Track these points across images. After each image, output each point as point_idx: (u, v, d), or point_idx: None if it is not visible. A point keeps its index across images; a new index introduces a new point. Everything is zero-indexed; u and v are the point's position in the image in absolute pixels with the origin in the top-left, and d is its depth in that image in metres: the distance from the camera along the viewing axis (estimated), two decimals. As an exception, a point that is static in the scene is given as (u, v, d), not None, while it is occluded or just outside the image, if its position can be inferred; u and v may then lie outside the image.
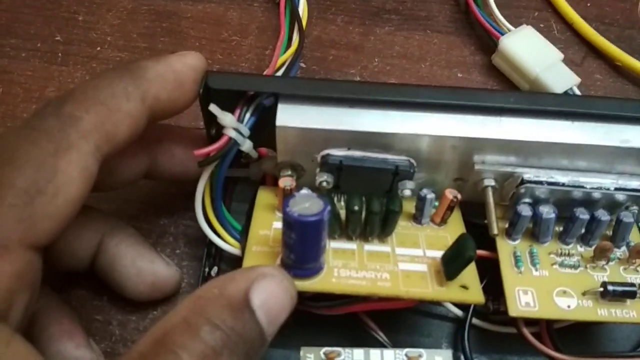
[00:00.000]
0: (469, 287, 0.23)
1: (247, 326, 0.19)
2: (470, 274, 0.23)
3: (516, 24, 0.35)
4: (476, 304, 0.25)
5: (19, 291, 0.19)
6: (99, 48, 0.35)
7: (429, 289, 0.22)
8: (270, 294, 0.20)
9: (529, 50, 0.33)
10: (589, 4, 0.38)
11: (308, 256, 0.22)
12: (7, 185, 0.19)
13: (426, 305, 0.27)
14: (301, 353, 0.23)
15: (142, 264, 0.26)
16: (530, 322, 0.25)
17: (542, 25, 0.37)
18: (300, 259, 0.21)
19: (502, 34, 0.34)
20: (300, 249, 0.21)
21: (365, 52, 0.36)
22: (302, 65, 0.35)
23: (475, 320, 0.26)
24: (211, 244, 0.26)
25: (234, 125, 0.24)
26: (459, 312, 0.26)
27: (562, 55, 0.33)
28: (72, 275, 0.27)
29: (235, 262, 0.25)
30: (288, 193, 0.24)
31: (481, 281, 0.23)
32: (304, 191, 0.22)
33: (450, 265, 0.22)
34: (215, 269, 0.27)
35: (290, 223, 0.20)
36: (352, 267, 0.23)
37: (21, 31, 0.35)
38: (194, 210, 0.25)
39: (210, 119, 0.24)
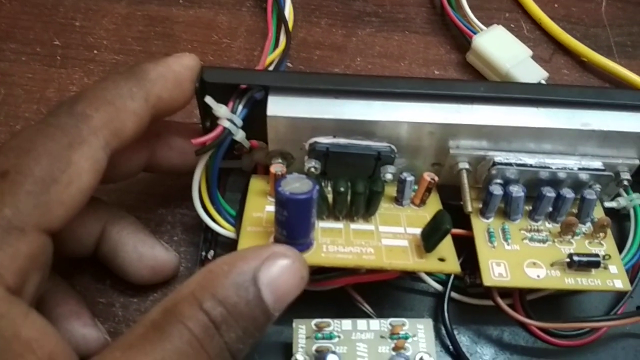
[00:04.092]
0: (446, 259, 0.25)
1: (250, 304, 0.20)
2: (447, 247, 0.25)
3: (488, 24, 0.37)
4: (453, 273, 0.27)
5: (32, 271, 0.21)
6: (95, 51, 0.36)
7: (410, 261, 0.24)
8: (280, 274, 0.21)
9: (500, 47, 0.35)
10: (556, 5, 0.41)
11: (299, 232, 0.23)
12: (26, 173, 0.21)
13: (408, 281, 0.29)
14: (294, 325, 0.25)
15: (143, 250, 0.27)
16: (504, 294, 0.27)
17: (512, 25, 0.39)
18: (292, 234, 0.23)
19: (475, 34, 0.36)
20: (292, 225, 0.23)
21: (348, 52, 0.38)
22: (289, 65, 0.37)
23: (454, 294, 0.28)
24: (207, 229, 0.28)
25: (228, 116, 0.25)
26: (438, 287, 0.28)
27: (531, 52, 0.36)
28: (77, 262, 0.28)
29: (230, 245, 0.27)
30: (279, 177, 0.26)
31: (459, 258, 0.25)
32: (295, 174, 0.24)
33: (429, 238, 0.24)
34: (211, 252, 0.28)
35: (282, 201, 0.22)
36: (339, 244, 0.25)
37: (20, 36, 0.37)
38: (190, 200, 0.27)
39: (206, 111, 0.26)
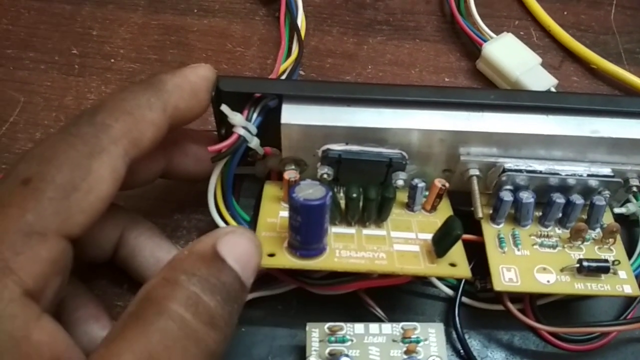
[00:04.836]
0: (457, 264, 0.25)
1: (223, 272, 0.21)
2: (458, 252, 0.26)
3: (498, 32, 0.38)
4: (464, 278, 0.27)
5: (52, 275, 0.21)
6: (112, 60, 0.37)
7: (421, 266, 0.25)
8: (236, 244, 0.22)
9: (510, 55, 0.36)
10: (565, 13, 0.41)
11: (312, 237, 0.24)
12: (48, 181, 0.21)
13: (419, 286, 0.29)
14: (307, 328, 0.26)
15: (160, 254, 0.28)
16: (515, 299, 0.27)
17: (522, 33, 0.40)
18: (306, 240, 0.24)
19: (485, 41, 0.37)
20: (305, 231, 0.24)
21: (360, 60, 0.38)
22: (302, 72, 0.37)
23: (465, 299, 0.28)
24: (222, 234, 0.28)
25: (243, 124, 0.26)
26: (449, 292, 0.28)
27: (540, 59, 0.36)
28: (95, 266, 0.29)
29: (244, 250, 0.27)
30: (292, 184, 0.26)
31: (469, 263, 0.26)
32: (308, 181, 0.24)
33: (440, 243, 0.25)
34: (226, 257, 0.29)
35: (296, 207, 0.23)
36: (352, 249, 0.25)
37: (39, 45, 0.38)
38: (205, 206, 0.27)
39: (221, 119, 0.26)
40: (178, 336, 0.19)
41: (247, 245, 0.22)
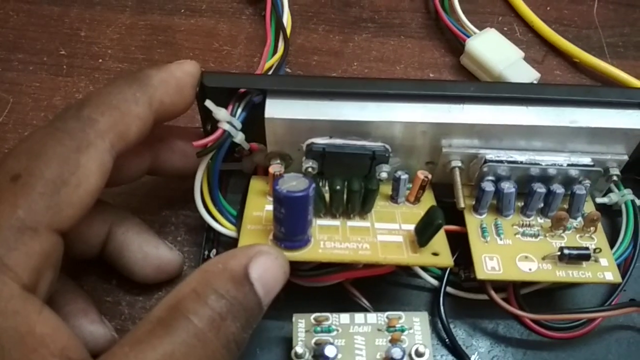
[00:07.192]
0: (439, 253, 0.26)
1: (247, 296, 0.22)
2: (440, 242, 0.26)
3: (481, 28, 0.38)
4: (446, 267, 0.28)
5: (45, 269, 0.22)
6: (100, 60, 0.38)
7: (404, 256, 0.25)
8: (267, 269, 0.23)
9: (493, 50, 0.36)
10: (548, 8, 0.42)
11: (296, 229, 0.24)
12: (37, 176, 0.22)
13: (405, 277, 0.30)
14: (293, 319, 0.26)
15: (147, 250, 0.28)
16: (499, 288, 0.28)
17: (505, 29, 0.40)
18: (290, 231, 0.24)
19: (469, 37, 0.37)
20: (290, 222, 0.24)
21: (345, 57, 0.39)
22: (288, 70, 0.38)
23: (449, 289, 0.29)
24: (210, 229, 0.29)
25: (227, 119, 0.26)
26: (434, 282, 0.29)
27: (523, 54, 0.36)
28: (84, 262, 0.29)
29: (231, 245, 0.27)
30: (277, 177, 0.27)
31: (453, 254, 0.26)
32: (292, 173, 0.25)
33: (422, 233, 0.25)
34: (213, 251, 0.29)
35: (280, 199, 0.23)
36: (336, 240, 0.26)
37: (28, 47, 0.38)
38: (193, 202, 0.28)
39: (206, 115, 0.27)
40: (199, 354, 0.20)
41: (276, 272, 0.23)
